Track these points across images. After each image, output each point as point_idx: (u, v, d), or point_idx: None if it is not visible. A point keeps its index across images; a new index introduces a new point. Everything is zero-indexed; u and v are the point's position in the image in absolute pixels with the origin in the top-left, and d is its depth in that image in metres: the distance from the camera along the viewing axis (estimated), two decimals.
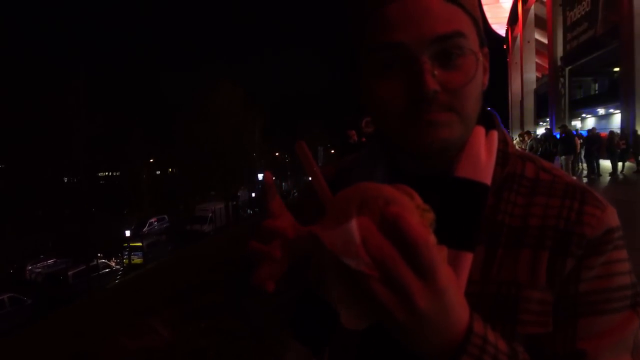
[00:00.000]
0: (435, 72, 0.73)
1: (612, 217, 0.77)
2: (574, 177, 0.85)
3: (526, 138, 18.81)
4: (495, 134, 0.85)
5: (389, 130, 0.81)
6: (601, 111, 33.44)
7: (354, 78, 0.85)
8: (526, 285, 0.75)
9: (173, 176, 53.73)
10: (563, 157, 16.07)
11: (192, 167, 42.64)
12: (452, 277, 0.61)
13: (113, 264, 32.29)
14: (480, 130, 0.84)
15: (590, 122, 35.88)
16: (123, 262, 33.42)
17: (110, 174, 54.84)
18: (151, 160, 54.03)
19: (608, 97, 30.70)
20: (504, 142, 0.86)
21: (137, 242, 34.13)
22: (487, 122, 0.87)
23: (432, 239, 0.60)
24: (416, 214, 0.61)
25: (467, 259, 0.76)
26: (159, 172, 58.08)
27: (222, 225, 39.78)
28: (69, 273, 26.99)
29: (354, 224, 0.60)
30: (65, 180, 40.57)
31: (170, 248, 34.83)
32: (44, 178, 33.98)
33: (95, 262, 29.00)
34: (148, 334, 5.41)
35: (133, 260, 32.47)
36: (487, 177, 0.80)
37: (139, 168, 49.59)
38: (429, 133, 0.76)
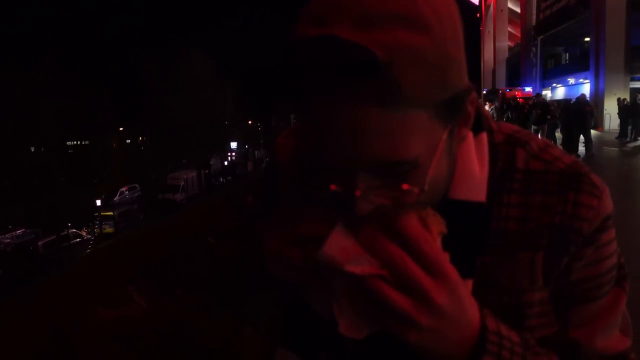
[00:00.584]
0: (372, 195, 0.61)
1: (608, 202, 0.71)
2: (565, 155, 0.75)
3: (489, 105, 18.91)
4: (484, 137, 0.74)
5: None
6: (571, 81, 33.85)
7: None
8: (527, 289, 0.71)
9: (144, 145, 52.94)
10: (534, 127, 16.20)
11: (163, 135, 42.03)
12: (458, 273, 0.60)
13: (84, 234, 31.95)
14: (469, 138, 0.73)
15: (561, 91, 36.36)
16: (94, 232, 33.10)
17: (79, 143, 53.76)
18: (121, 129, 53.09)
19: (578, 66, 31.08)
20: (489, 130, 0.75)
21: (108, 211, 33.78)
22: (475, 121, 0.73)
23: (433, 238, 0.59)
24: (414, 217, 0.59)
25: (468, 286, 0.68)
26: (129, 141, 57.14)
27: (195, 194, 39.55)
28: (39, 243, 26.62)
29: (341, 226, 0.60)
30: (33, 150, 39.66)
31: (142, 217, 34.57)
32: (10, 148, 33.13)
33: (65, 232, 28.64)
34: (124, 303, 5.37)
35: (104, 229, 32.17)
36: (482, 193, 0.71)
37: (109, 137, 48.73)
38: None
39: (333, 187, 0.62)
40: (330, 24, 0.55)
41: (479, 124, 0.75)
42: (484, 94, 31.27)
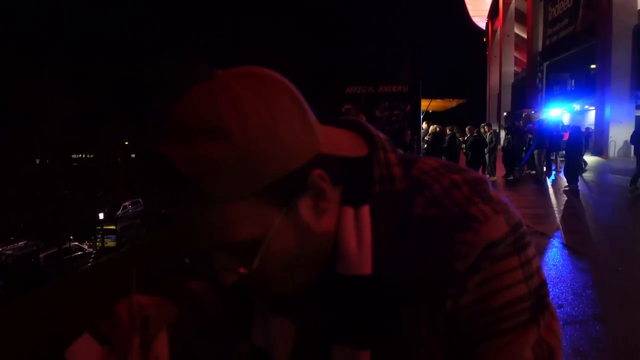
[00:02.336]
0: (230, 267, 0.69)
1: (491, 230, 0.66)
2: (469, 196, 0.70)
3: (486, 129, 18.91)
4: (365, 211, 0.72)
5: None
6: (577, 107, 33.90)
7: None
8: (412, 344, 0.69)
9: None
10: (536, 151, 16.20)
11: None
12: None
13: (86, 247, 31.92)
14: (347, 215, 0.73)
15: (566, 117, 36.38)
16: (96, 245, 33.06)
17: (84, 156, 53.97)
18: (126, 143, 53.35)
19: (584, 93, 31.17)
20: (390, 180, 0.74)
21: (111, 225, 33.77)
22: (356, 190, 0.74)
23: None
24: (136, 344, 0.76)
25: (364, 356, 0.71)
26: (134, 155, 57.37)
27: None
28: (41, 255, 26.62)
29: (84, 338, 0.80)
30: (38, 162, 39.81)
31: (145, 232, 34.55)
32: (15, 159, 33.28)
33: (67, 245, 28.62)
34: None
35: (106, 243, 32.13)
36: (362, 267, 0.70)
37: (114, 150, 48.96)
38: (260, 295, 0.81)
39: (201, 268, 0.73)
40: (162, 139, 0.64)
41: (363, 189, 0.73)
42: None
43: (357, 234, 0.71)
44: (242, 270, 0.68)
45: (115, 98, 46.14)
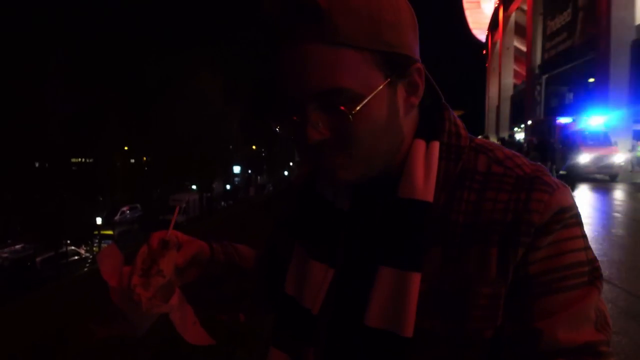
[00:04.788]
0: (321, 123, 0.74)
1: (563, 198, 0.76)
2: (530, 165, 0.81)
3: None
4: (436, 146, 0.82)
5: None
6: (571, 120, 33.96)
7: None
8: (476, 281, 0.75)
9: (147, 165, 53.11)
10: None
11: (168, 156, 42.15)
12: None
13: (82, 252, 31.85)
14: (419, 145, 0.82)
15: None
16: (93, 250, 32.99)
17: (83, 160, 53.90)
18: (126, 148, 53.21)
19: (582, 107, 31.26)
20: (457, 136, 0.84)
21: (108, 230, 33.73)
22: (429, 130, 0.84)
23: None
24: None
25: (415, 278, 0.76)
26: (133, 161, 57.30)
27: (196, 216, 39.51)
28: (37, 259, 26.54)
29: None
30: (37, 165, 39.72)
31: (143, 237, 34.44)
32: (15, 162, 33.23)
33: (64, 249, 28.56)
34: (118, 322, 5.37)
35: (103, 248, 32.04)
36: (426, 194, 0.78)
37: (113, 155, 48.90)
38: (326, 175, 0.81)
39: (295, 117, 0.76)
40: None
41: (435, 132, 0.84)
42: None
43: (426, 164, 0.81)
44: (342, 107, 0.73)
45: (115, 103, 46.20)
